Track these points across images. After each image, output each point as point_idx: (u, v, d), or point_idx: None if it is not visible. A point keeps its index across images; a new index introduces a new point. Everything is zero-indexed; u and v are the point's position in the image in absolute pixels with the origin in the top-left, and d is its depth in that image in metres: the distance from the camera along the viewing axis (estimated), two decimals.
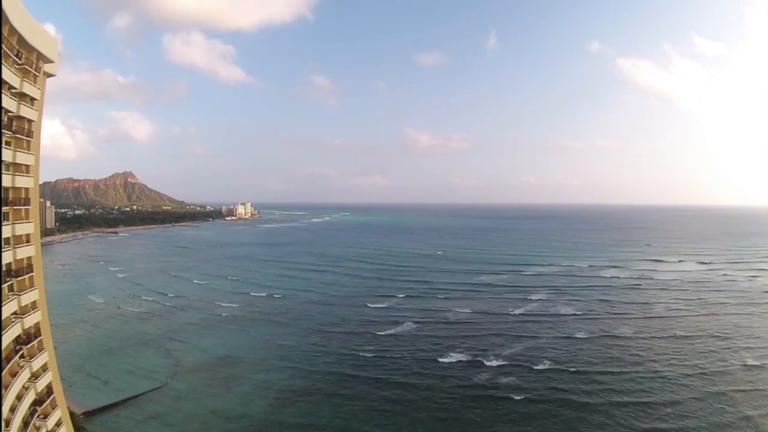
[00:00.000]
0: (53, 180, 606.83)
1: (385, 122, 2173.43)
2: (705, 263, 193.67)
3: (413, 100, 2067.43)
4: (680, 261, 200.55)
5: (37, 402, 36.34)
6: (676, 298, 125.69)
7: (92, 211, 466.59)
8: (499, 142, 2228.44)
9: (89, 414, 58.95)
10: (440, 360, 79.77)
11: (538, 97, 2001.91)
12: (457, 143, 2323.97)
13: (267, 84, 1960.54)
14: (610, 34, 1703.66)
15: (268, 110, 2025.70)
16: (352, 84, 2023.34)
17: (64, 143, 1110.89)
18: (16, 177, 33.86)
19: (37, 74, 35.36)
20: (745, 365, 76.09)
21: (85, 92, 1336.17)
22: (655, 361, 78.06)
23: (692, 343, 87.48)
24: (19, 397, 33.51)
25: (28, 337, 36.11)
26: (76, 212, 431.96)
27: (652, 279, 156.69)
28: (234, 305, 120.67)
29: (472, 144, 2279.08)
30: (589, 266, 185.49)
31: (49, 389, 38.08)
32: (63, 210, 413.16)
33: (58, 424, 39.00)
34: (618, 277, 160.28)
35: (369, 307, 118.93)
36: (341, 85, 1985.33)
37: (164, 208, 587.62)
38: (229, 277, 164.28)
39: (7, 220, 33.25)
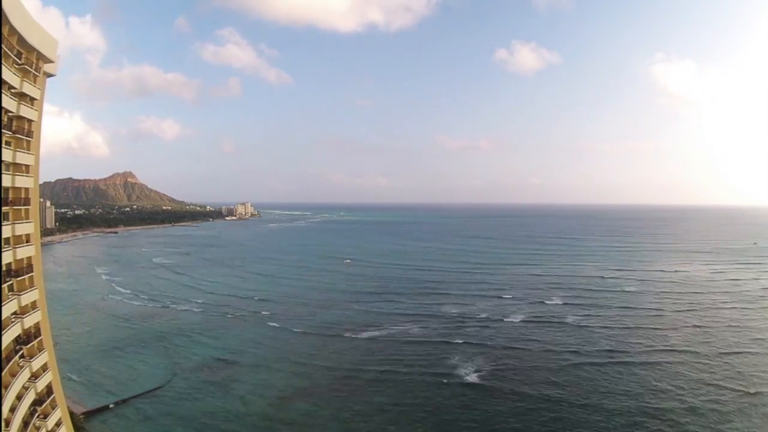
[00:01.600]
0: (53, 180, 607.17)
1: (415, 126, 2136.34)
2: None
3: (451, 105, 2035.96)
4: None
5: (37, 402, 36.30)
6: None
7: (92, 211, 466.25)
8: (525, 144, 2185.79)
9: (89, 414, 59.00)
10: (453, 371, 79.68)
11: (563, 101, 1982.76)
12: (483, 145, 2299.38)
13: (319, 88, 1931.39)
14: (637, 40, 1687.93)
15: (303, 113, 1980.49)
16: (394, 88, 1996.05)
17: (83, 141, 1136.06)
18: (16, 177, 33.81)
19: (37, 74, 35.32)
20: None
21: (127, 88, 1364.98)
22: None
23: None
24: (19, 397, 33.46)
25: (28, 337, 36.05)
26: (76, 212, 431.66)
27: None
28: (232, 304, 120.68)
29: (499, 146, 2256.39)
30: None
31: (49, 389, 38.05)
32: (63, 210, 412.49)
33: (58, 424, 38.98)
34: None
35: (366, 301, 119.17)
36: (383, 88, 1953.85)
37: (164, 208, 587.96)
38: (226, 276, 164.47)
39: (7, 220, 33.19)
